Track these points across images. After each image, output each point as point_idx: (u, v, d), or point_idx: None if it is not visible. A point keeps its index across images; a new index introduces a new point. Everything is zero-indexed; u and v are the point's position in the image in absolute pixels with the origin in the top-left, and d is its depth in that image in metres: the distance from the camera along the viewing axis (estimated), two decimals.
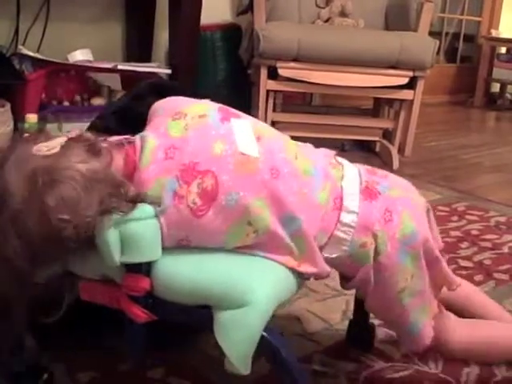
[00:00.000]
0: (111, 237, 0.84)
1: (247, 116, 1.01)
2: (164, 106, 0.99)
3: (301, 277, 0.97)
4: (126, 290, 0.90)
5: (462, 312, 1.25)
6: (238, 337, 0.84)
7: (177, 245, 0.91)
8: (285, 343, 0.89)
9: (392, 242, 0.99)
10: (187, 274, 0.89)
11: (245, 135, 0.94)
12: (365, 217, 0.98)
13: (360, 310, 1.25)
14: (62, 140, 0.89)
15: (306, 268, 0.95)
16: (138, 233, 0.86)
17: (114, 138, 0.96)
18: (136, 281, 0.89)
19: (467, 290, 1.30)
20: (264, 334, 0.85)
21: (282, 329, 1.35)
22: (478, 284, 1.64)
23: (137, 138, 0.94)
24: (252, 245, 0.93)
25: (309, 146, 1.06)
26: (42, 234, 0.84)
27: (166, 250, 0.90)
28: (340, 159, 1.06)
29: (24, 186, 0.83)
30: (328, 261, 0.99)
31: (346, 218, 0.98)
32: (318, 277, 1.00)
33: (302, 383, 0.89)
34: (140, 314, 0.90)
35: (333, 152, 1.07)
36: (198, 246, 0.92)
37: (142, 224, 0.86)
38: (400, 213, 1.00)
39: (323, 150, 1.07)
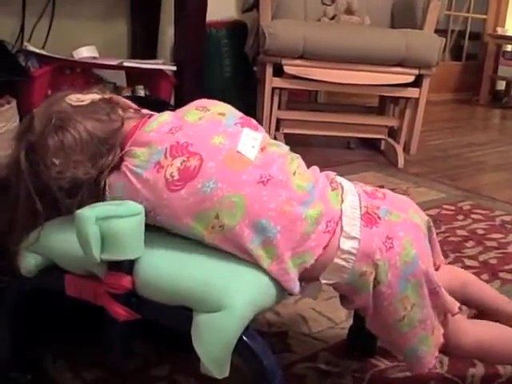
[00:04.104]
0: (91, 233, 0.85)
1: (263, 131, 1.03)
2: (197, 101, 1.05)
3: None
4: (107, 287, 0.90)
5: (461, 300, 1.19)
6: (211, 340, 0.84)
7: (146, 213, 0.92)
8: (266, 349, 0.87)
9: (393, 271, 0.96)
10: (168, 273, 0.89)
11: (249, 141, 0.96)
12: (366, 244, 0.95)
13: (358, 317, 1.25)
14: (94, 97, 1.01)
15: (271, 272, 0.91)
16: (119, 230, 0.86)
17: (145, 110, 1.06)
18: (117, 278, 0.89)
19: (464, 279, 1.23)
20: (244, 337, 0.85)
21: (286, 327, 1.35)
22: None
23: (159, 113, 1.02)
24: (219, 241, 0.91)
25: (315, 168, 1.04)
26: (41, 169, 0.95)
27: (149, 247, 0.91)
28: (340, 180, 1.04)
29: (42, 123, 0.96)
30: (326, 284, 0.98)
31: (346, 244, 0.94)
32: (284, 289, 0.95)
33: None
34: (121, 312, 0.90)
35: (333, 173, 1.05)
36: (165, 224, 0.94)
37: (124, 221, 0.86)
38: (401, 239, 0.97)
39: (325, 172, 1.05)
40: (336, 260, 0.94)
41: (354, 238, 0.95)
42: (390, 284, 0.96)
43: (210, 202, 0.90)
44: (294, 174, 0.97)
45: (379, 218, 0.98)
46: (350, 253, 0.94)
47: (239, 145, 0.95)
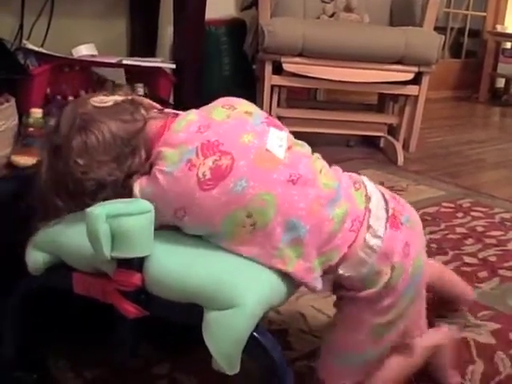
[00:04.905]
0: (101, 230, 0.84)
1: (287, 131, 1.03)
2: (222, 99, 1.04)
3: (294, 282, 0.95)
4: (117, 284, 0.91)
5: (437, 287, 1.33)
6: (223, 337, 0.84)
7: (172, 216, 0.92)
8: (275, 345, 0.88)
9: (405, 276, 0.97)
10: (179, 270, 0.90)
11: (277, 140, 0.97)
12: (388, 245, 0.96)
13: None
14: (117, 98, 1.02)
15: (295, 273, 0.92)
16: (130, 228, 0.86)
17: (167, 110, 1.06)
18: (127, 276, 0.90)
19: (441, 270, 1.39)
20: (255, 334, 0.85)
21: (286, 325, 1.35)
22: (482, 281, 1.64)
23: (185, 112, 1.01)
24: (244, 242, 0.92)
25: (337, 168, 1.05)
26: (65, 170, 0.96)
27: (159, 244, 0.91)
28: (364, 179, 1.04)
29: (67, 125, 0.97)
30: (339, 277, 0.97)
31: (372, 240, 0.95)
32: (306, 287, 0.96)
33: None
34: (131, 310, 0.91)
35: (356, 175, 1.05)
36: (191, 225, 0.93)
37: (134, 219, 0.86)
38: (416, 248, 0.99)
39: (347, 173, 1.05)
40: (359, 253, 0.95)
41: (379, 236, 0.96)
42: (399, 287, 0.98)
43: (242, 201, 0.90)
44: (320, 172, 0.98)
45: (401, 223, 0.99)
46: (373, 249, 0.95)
47: (268, 143, 0.95)
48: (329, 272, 0.97)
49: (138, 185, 0.95)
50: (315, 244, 0.93)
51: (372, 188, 1.02)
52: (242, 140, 0.94)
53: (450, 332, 1.19)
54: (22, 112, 2.09)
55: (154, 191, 0.93)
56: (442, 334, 1.16)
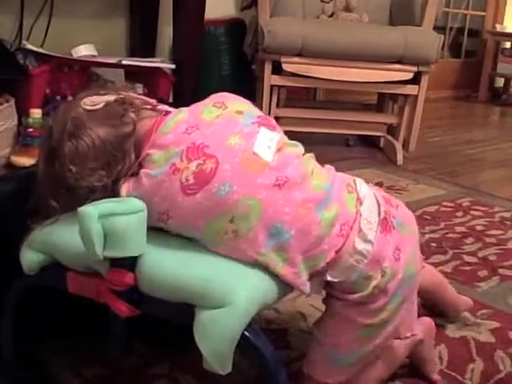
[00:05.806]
0: (94, 230, 0.84)
1: (281, 131, 1.02)
2: (216, 95, 1.04)
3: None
4: (110, 284, 0.91)
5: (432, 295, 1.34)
6: (214, 336, 0.84)
7: (157, 219, 0.92)
8: (268, 343, 0.88)
9: (393, 282, 0.97)
10: (171, 270, 0.90)
11: (266, 141, 0.95)
12: (378, 250, 0.95)
13: None
14: (108, 99, 1.01)
15: (284, 276, 0.92)
16: (122, 227, 0.86)
17: (160, 107, 1.05)
18: (119, 275, 0.90)
19: (439, 279, 1.37)
20: (246, 333, 0.85)
21: (286, 324, 1.35)
22: (482, 280, 1.64)
23: (176, 110, 1.00)
24: (227, 247, 0.92)
25: (331, 168, 1.03)
26: (59, 174, 0.96)
27: (152, 244, 0.91)
28: (359, 183, 1.02)
29: (59, 130, 0.97)
30: (328, 281, 0.97)
31: (361, 245, 0.94)
32: (295, 288, 0.96)
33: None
34: (123, 309, 0.91)
35: (350, 177, 1.03)
36: (176, 228, 0.94)
37: (126, 219, 0.86)
38: (407, 253, 0.98)
39: (342, 174, 1.04)
40: (348, 259, 0.94)
41: (368, 241, 0.95)
42: (386, 292, 0.97)
43: (225, 206, 0.89)
44: (312, 173, 0.97)
45: (393, 227, 0.98)
46: (362, 254, 0.94)
47: (255, 145, 0.93)
48: (316, 276, 0.96)
49: (125, 188, 0.95)
50: (300, 249, 0.92)
51: (366, 191, 1.00)
52: (228, 142, 0.92)
53: (431, 324, 1.18)
54: (22, 112, 2.10)
55: (139, 194, 0.92)
56: (424, 326, 1.15)
